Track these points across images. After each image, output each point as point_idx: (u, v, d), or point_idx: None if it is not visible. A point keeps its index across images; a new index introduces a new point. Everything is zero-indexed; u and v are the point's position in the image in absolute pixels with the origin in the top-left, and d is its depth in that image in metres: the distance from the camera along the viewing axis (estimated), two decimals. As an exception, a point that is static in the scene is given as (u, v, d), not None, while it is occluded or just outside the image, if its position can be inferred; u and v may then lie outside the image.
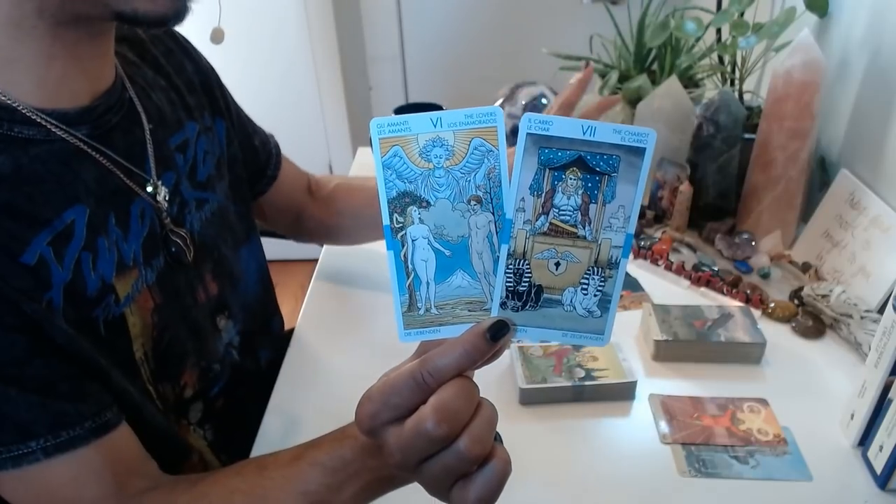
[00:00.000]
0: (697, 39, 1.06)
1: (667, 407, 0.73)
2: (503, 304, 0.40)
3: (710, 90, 1.09)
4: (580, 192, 0.39)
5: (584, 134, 0.37)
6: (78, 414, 0.51)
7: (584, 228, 0.39)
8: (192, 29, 0.77)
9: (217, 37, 0.72)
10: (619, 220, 0.39)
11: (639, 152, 0.38)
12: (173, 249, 0.63)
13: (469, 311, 0.41)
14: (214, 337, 0.71)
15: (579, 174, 0.38)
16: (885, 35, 0.87)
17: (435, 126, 0.39)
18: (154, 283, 0.61)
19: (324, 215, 0.93)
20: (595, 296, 0.40)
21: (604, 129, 0.37)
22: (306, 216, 0.93)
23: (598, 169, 0.38)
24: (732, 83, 1.06)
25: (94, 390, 0.53)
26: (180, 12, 0.53)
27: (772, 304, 0.86)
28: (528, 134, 0.38)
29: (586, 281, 0.40)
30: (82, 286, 0.53)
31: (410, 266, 0.40)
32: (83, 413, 0.51)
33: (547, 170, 0.38)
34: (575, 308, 0.40)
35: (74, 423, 0.51)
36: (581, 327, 0.41)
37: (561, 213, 0.39)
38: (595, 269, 0.40)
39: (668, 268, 0.95)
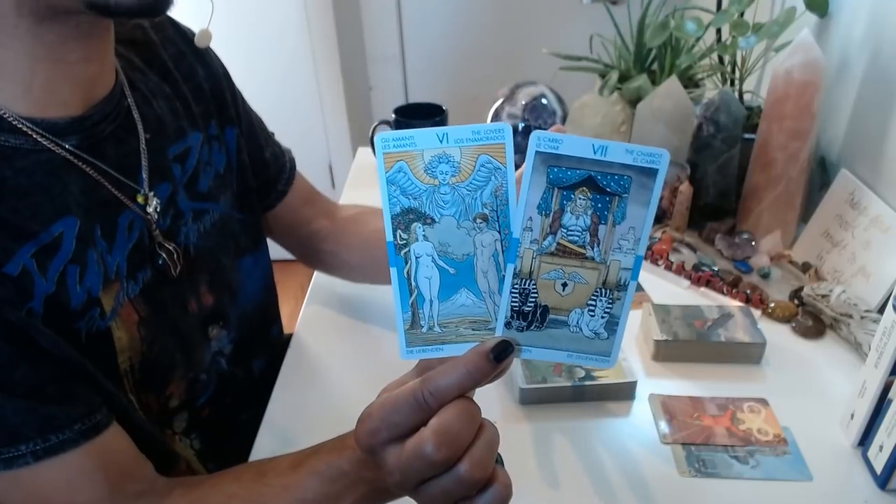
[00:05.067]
0: (697, 39, 1.06)
1: (667, 407, 0.74)
2: (508, 324, 0.40)
3: (710, 90, 1.09)
4: (589, 212, 0.38)
5: (594, 153, 0.36)
6: (67, 417, 0.50)
7: (592, 249, 0.38)
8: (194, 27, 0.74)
9: (203, 39, 0.68)
10: (628, 241, 0.38)
11: (651, 173, 0.37)
12: (159, 262, 0.61)
13: (473, 329, 0.40)
14: (203, 346, 0.69)
15: (589, 194, 0.37)
16: (885, 35, 0.87)
17: (441, 142, 0.38)
18: (138, 296, 0.59)
19: (336, 247, 0.86)
20: (602, 318, 0.39)
21: (615, 149, 0.36)
22: (319, 241, 0.86)
23: (608, 189, 0.37)
24: (732, 83, 1.07)
25: (83, 392, 0.52)
26: (159, 3, 0.50)
27: (772, 304, 0.87)
28: (537, 152, 0.37)
29: (594, 302, 0.39)
30: (65, 299, 0.52)
31: (414, 283, 0.39)
32: (72, 416, 0.51)
33: (556, 189, 0.37)
34: (581, 329, 0.40)
35: (63, 426, 0.50)
36: (587, 349, 0.40)
37: (569, 233, 0.38)
38: (603, 290, 0.39)
39: (668, 268, 0.95)
